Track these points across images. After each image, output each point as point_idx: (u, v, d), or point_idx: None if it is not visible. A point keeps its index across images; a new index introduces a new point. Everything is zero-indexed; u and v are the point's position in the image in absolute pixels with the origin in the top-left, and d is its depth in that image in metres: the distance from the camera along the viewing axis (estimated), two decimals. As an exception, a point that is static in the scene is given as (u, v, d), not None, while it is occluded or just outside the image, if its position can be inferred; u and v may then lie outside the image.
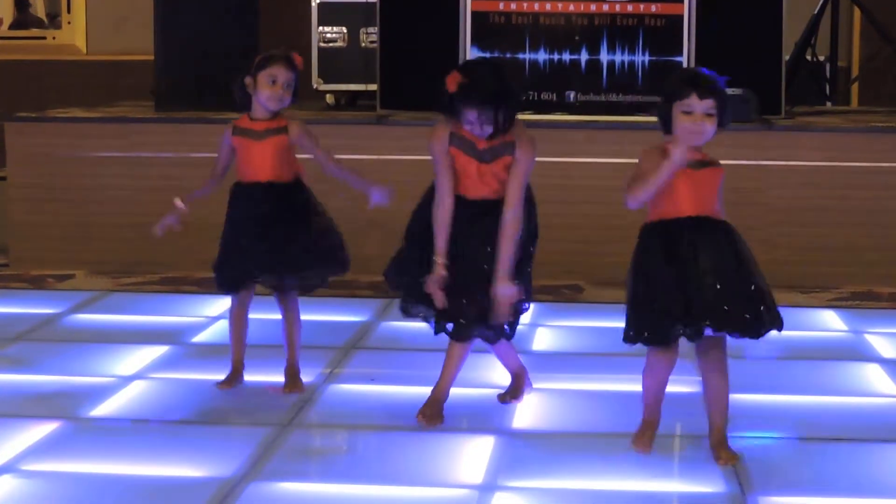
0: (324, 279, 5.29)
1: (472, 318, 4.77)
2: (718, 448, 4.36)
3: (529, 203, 4.81)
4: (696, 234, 4.30)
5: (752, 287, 4.30)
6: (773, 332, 4.40)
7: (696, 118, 4.21)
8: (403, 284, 4.99)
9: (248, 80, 4.97)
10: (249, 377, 5.27)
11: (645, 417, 4.49)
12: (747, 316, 4.28)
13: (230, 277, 5.12)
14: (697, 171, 4.31)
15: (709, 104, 4.21)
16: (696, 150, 4.29)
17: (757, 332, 4.33)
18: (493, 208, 4.71)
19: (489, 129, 4.62)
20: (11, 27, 11.30)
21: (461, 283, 4.73)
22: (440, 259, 4.70)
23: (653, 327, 4.32)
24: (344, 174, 5.18)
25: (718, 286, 4.24)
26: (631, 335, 4.36)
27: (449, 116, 4.72)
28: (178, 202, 5.03)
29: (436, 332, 4.87)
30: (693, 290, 4.24)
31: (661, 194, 4.29)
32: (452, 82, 4.62)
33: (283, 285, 5.18)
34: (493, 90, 4.60)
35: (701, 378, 4.54)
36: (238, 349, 5.23)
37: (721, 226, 4.34)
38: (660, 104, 4.29)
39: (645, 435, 4.48)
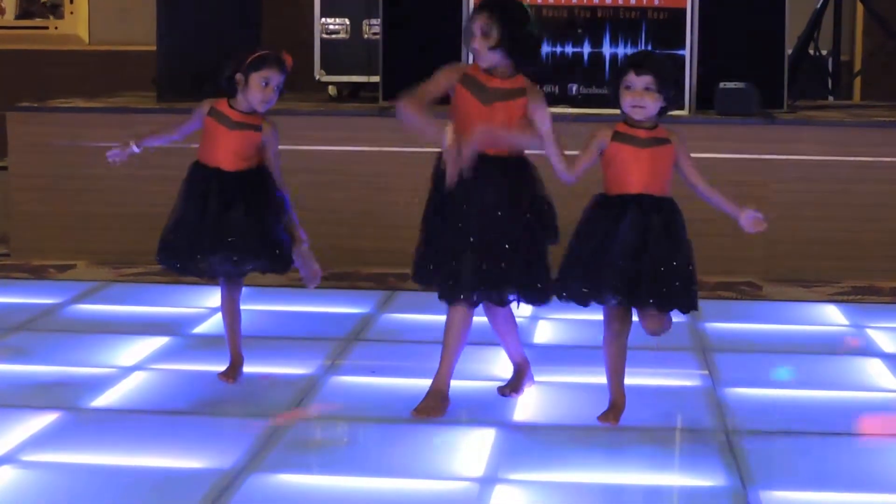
0: (258, 269, 5.18)
1: (474, 278, 4.74)
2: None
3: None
4: (632, 212, 4.60)
5: (664, 268, 4.62)
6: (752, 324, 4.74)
7: (634, 93, 4.53)
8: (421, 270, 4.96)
9: (238, 76, 4.94)
10: (249, 368, 5.26)
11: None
12: (654, 293, 4.61)
13: (173, 256, 5.11)
14: (643, 150, 4.60)
15: (646, 80, 4.52)
16: (644, 127, 4.61)
17: (662, 307, 4.67)
18: (501, 164, 4.75)
19: (491, 44, 4.66)
20: (18, 17, 11.29)
21: (465, 244, 4.72)
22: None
23: (569, 290, 4.69)
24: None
25: (633, 263, 4.57)
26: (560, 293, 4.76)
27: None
28: (133, 145, 5.18)
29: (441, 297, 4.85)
30: (608, 262, 4.59)
31: (608, 170, 4.65)
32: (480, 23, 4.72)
33: (219, 271, 5.16)
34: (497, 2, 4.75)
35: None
36: (234, 340, 5.22)
37: (664, 204, 4.65)
38: (608, 82, 4.53)
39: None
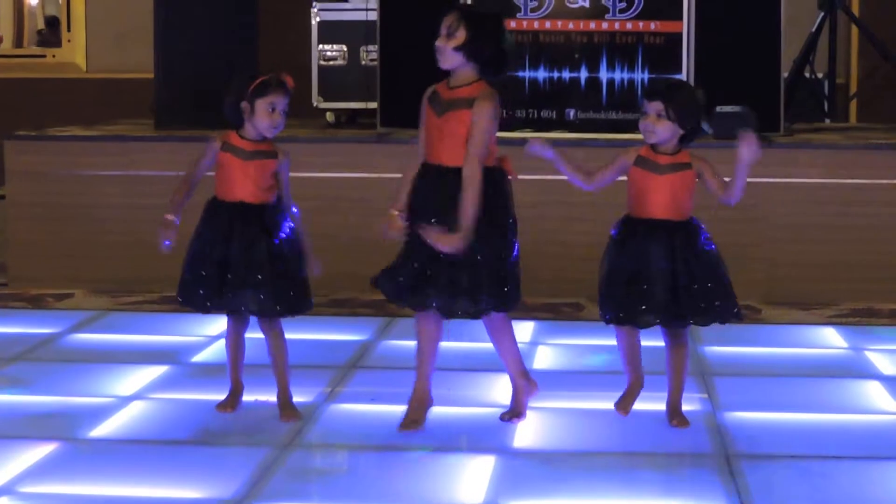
0: (283, 312, 5.07)
1: (435, 287, 4.77)
2: (673, 414, 4.98)
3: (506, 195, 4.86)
4: (646, 236, 4.81)
5: (696, 286, 4.82)
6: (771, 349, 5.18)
7: (646, 119, 4.72)
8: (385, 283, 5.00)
9: (244, 105, 4.88)
10: (249, 397, 5.25)
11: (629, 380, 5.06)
12: (693, 311, 4.86)
13: (195, 297, 5.04)
14: (661, 176, 4.76)
15: (657, 106, 4.68)
16: (665, 153, 4.77)
17: (704, 323, 5.04)
18: (448, 175, 4.74)
19: (454, 44, 4.79)
20: (39, 44, 11.35)
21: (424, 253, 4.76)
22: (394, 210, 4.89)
23: (609, 314, 4.94)
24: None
25: (666, 288, 4.79)
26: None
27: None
28: (171, 217, 4.98)
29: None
30: (641, 290, 4.80)
31: (630, 191, 4.85)
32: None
33: (244, 311, 5.07)
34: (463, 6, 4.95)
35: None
36: (235, 372, 5.17)
37: (683, 227, 4.82)
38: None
39: (626, 399, 5.04)
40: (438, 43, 4.80)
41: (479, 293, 4.74)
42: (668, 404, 5.02)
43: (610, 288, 4.90)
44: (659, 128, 4.71)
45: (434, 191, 4.78)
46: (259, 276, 4.89)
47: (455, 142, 4.69)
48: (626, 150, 4.89)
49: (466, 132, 4.67)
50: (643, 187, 4.78)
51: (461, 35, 4.75)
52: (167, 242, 4.96)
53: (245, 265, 4.89)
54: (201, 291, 4.98)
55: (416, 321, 4.98)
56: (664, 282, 4.78)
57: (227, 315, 5.12)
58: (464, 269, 4.71)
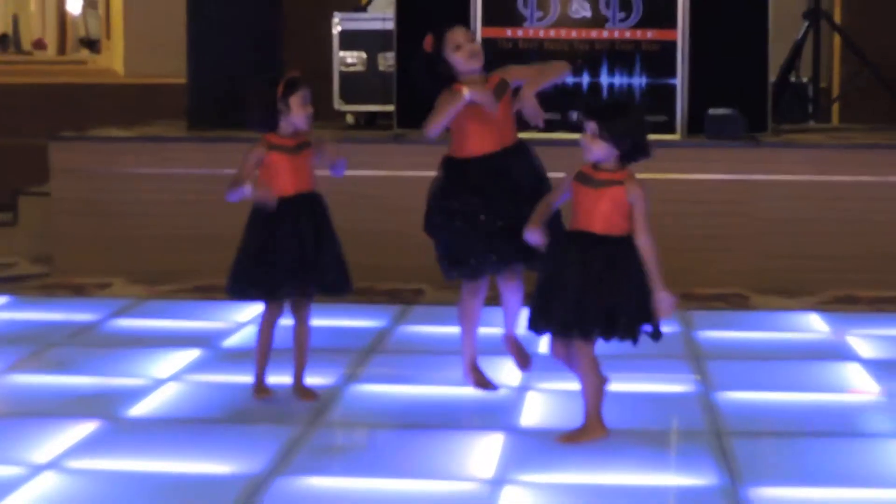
0: (341, 289, 5.14)
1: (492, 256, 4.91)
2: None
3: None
4: (567, 245, 4.57)
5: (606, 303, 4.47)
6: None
7: (583, 136, 4.47)
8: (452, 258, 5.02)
9: (280, 106, 4.90)
10: (276, 379, 5.23)
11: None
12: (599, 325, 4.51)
13: (267, 287, 5.02)
14: (593, 190, 4.51)
15: (592, 126, 4.42)
16: (605, 169, 4.49)
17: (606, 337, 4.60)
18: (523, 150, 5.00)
19: (480, 54, 4.98)
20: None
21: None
22: None
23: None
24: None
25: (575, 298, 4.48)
26: None
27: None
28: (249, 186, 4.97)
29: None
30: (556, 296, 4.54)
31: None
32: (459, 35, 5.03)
33: (309, 294, 5.09)
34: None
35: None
36: (262, 363, 5.14)
37: (609, 241, 4.49)
38: None
39: None
40: (468, 56, 4.96)
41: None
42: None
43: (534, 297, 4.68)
44: (594, 147, 4.47)
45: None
46: (331, 257, 5.01)
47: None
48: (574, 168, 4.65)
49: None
50: (577, 200, 4.55)
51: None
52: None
53: (318, 248, 4.97)
54: (277, 279, 4.96)
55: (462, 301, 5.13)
56: (570, 292, 4.50)
57: (271, 303, 5.09)
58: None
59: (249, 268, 4.99)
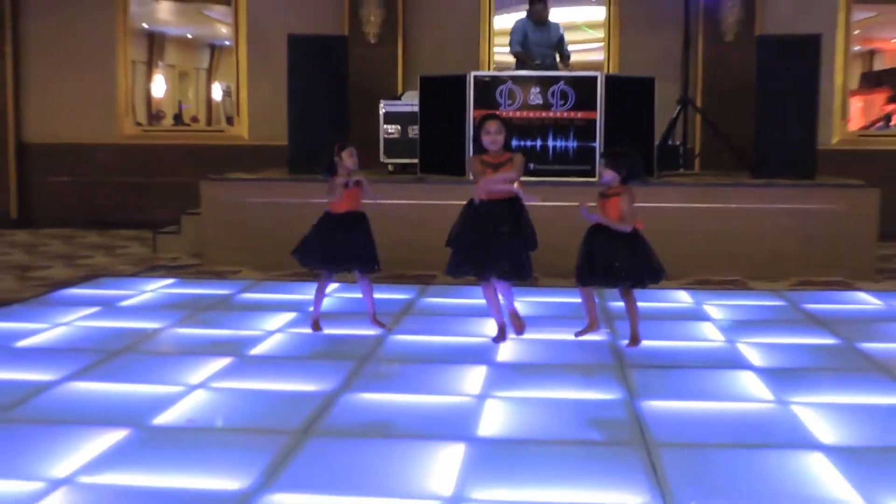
0: (373, 269, 5.32)
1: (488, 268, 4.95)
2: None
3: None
4: (594, 232, 5.00)
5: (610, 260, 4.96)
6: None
7: (599, 168, 5.04)
8: (457, 265, 5.03)
9: (336, 160, 5.16)
10: (330, 331, 5.27)
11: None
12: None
13: (318, 260, 5.27)
14: (602, 200, 4.94)
15: (601, 162, 4.99)
16: (609, 187, 4.92)
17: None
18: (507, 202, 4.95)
19: (500, 139, 4.91)
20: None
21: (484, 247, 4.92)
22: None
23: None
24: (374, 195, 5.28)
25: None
26: None
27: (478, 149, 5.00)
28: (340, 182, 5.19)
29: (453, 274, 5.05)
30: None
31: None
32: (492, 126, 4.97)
33: (355, 269, 5.33)
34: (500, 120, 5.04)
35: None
36: (317, 307, 5.37)
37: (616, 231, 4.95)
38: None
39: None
40: (491, 142, 4.94)
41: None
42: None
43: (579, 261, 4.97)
44: (605, 174, 4.89)
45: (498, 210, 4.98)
46: (365, 249, 5.22)
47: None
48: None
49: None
50: (598, 206, 4.92)
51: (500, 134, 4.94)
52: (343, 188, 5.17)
53: (358, 243, 5.20)
54: (333, 256, 5.21)
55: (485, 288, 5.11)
56: (597, 255, 4.90)
57: (331, 274, 5.35)
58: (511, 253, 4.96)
59: (313, 247, 5.22)
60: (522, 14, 8.94)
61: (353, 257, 5.21)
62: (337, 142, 5.25)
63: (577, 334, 5.12)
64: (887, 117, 9.99)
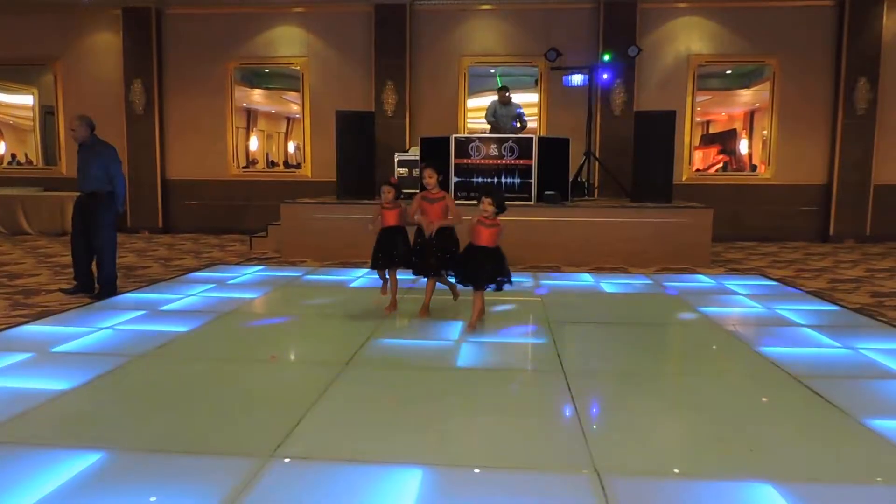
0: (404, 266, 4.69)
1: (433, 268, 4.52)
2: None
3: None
4: (472, 252, 4.24)
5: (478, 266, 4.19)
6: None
7: (482, 203, 4.17)
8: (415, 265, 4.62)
9: (382, 190, 4.71)
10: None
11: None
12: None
13: (381, 263, 4.71)
14: (483, 228, 4.19)
15: (485, 199, 4.17)
16: (487, 218, 4.19)
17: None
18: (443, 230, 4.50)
19: (433, 182, 4.48)
20: (287, 165, 11.12)
21: (432, 255, 4.49)
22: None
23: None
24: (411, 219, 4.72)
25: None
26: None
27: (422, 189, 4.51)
28: (372, 227, 4.73)
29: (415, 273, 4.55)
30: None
31: (472, 233, 4.24)
32: (428, 172, 4.51)
33: (392, 266, 4.77)
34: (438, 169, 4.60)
35: None
36: (384, 284, 4.82)
37: (492, 251, 4.23)
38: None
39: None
40: (431, 186, 4.44)
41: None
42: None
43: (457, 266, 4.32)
44: (487, 207, 4.14)
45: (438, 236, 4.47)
46: (401, 254, 4.66)
47: (443, 212, 4.52)
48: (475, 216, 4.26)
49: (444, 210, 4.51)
50: (475, 231, 4.22)
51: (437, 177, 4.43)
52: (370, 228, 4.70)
53: (398, 249, 4.66)
54: (382, 258, 4.69)
55: (427, 282, 4.63)
56: (469, 264, 4.18)
57: (379, 269, 4.76)
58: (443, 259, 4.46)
59: (374, 255, 4.71)
60: (492, 98, 8.94)
61: (393, 259, 4.67)
62: (386, 180, 4.73)
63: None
64: (725, 165, 10.06)
